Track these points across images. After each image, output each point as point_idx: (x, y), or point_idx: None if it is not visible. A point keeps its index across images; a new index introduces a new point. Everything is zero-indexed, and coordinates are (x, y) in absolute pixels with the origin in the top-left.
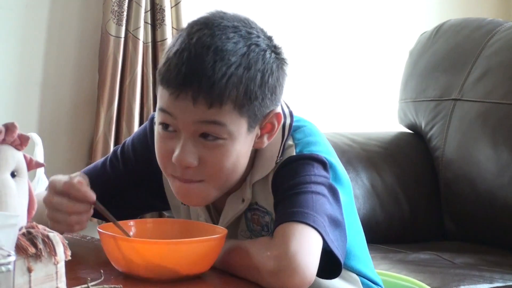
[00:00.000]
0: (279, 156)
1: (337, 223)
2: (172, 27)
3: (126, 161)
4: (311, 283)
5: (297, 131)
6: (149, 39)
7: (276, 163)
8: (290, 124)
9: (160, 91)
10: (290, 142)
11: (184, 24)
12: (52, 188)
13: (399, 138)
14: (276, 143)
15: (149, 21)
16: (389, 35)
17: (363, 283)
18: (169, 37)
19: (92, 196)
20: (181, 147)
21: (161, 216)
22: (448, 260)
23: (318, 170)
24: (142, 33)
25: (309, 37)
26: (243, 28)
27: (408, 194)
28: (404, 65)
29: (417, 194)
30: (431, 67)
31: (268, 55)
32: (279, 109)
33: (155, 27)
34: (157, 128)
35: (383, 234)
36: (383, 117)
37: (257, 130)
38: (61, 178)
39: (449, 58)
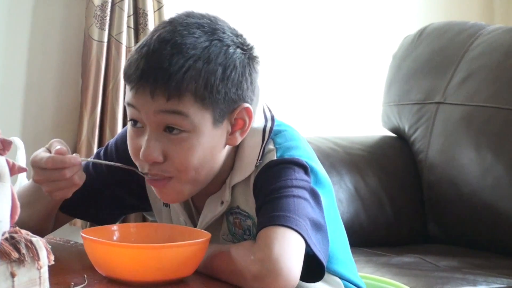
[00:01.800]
0: (259, 159)
1: (319, 227)
2: None
3: (108, 161)
4: (294, 286)
5: (278, 135)
6: (132, 44)
7: (256, 166)
8: (271, 128)
9: (126, 86)
10: (271, 146)
11: None
12: (37, 167)
13: (383, 142)
14: (256, 146)
15: (132, 26)
16: (372, 39)
17: (346, 287)
18: None
19: (76, 159)
20: (146, 143)
21: (144, 219)
22: (432, 263)
23: (299, 174)
24: (125, 38)
25: (293, 41)
26: (207, 25)
27: (392, 198)
28: (387, 68)
29: (400, 197)
30: (415, 71)
31: (231, 51)
32: (248, 105)
33: (138, 31)
34: (128, 126)
35: (367, 238)
36: (367, 120)
37: (227, 127)
38: (42, 155)
39: (432, 62)
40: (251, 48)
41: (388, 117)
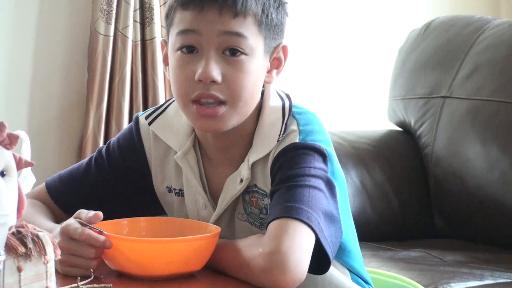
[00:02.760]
0: (281, 134)
1: (332, 219)
2: (161, 25)
3: (111, 159)
4: (301, 281)
5: (301, 115)
6: (138, 38)
7: (278, 141)
8: (290, 106)
9: (179, 15)
10: (294, 127)
11: None
12: (67, 235)
13: (389, 136)
14: (277, 122)
15: (138, 20)
16: (378, 33)
17: (353, 280)
18: (158, 35)
19: (109, 243)
20: (205, 63)
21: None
22: (438, 258)
23: (318, 162)
24: (131, 32)
25: (299, 35)
26: None
27: (398, 192)
28: (393, 62)
29: (406, 191)
30: (420, 65)
31: None
32: (286, 44)
33: (144, 25)
34: (174, 56)
35: (373, 232)
36: (373, 114)
37: (267, 63)
38: (76, 225)
39: (438, 56)
40: None
41: (394, 111)
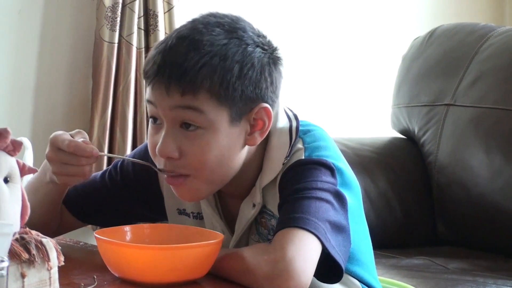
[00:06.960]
0: (287, 157)
1: (340, 229)
2: (165, 32)
3: (124, 175)
4: None
5: (307, 134)
6: (143, 45)
7: (284, 164)
8: (297, 127)
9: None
10: (299, 145)
11: None
12: (55, 146)
13: (392, 143)
14: (284, 146)
15: (142, 27)
16: (382, 40)
17: None
18: None
19: (96, 150)
20: (162, 138)
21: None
22: (441, 265)
23: (325, 176)
24: (136, 39)
25: (303, 41)
26: (228, 24)
27: (401, 199)
28: (397, 70)
29: (410, 199)
30: (424, 72)
31: (250, 49)
32: (267, 105)
33: (149, 32)
34: (149, 124)
35: (376, 240)
36: (376, 122)
37: (245, 126)
38: (64, 137)
39: (442, 63)
40: (274, 49)
41: (398, 118)
